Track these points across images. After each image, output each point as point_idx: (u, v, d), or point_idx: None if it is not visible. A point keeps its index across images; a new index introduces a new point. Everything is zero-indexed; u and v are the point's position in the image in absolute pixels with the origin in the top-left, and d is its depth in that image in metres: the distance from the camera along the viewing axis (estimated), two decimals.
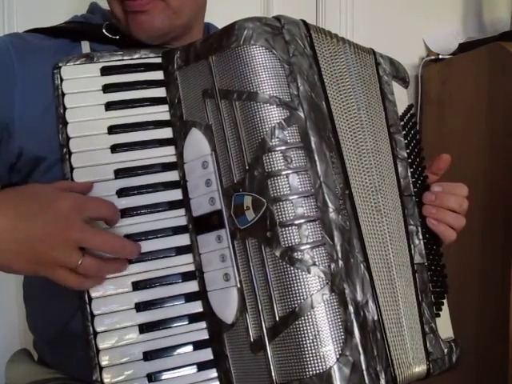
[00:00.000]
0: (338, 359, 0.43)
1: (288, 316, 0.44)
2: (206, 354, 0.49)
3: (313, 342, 0.43)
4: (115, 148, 0.51)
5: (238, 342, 0.47)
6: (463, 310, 1.07)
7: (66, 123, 0.51)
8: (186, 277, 0.50)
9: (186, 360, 0.49)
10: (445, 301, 0.58)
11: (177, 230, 0.51)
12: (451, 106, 1.17)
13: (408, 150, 0.59)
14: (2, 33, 1.00)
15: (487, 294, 1.04)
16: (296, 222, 0.45)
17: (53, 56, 0.55)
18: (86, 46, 0.60)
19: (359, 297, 0.46)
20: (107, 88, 0.52)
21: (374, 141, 0.55)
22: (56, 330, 0.64)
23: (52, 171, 0.58)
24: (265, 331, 0.45)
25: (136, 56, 0.54)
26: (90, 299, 0.48)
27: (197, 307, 0.50)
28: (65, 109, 0.51)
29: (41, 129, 0.57)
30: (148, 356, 0.48)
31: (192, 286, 0.50)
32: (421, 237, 0.56)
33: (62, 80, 0.51)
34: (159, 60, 0.54)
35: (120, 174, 0.51)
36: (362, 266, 0.47)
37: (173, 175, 0.52)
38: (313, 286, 0.44)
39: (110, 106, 0.52)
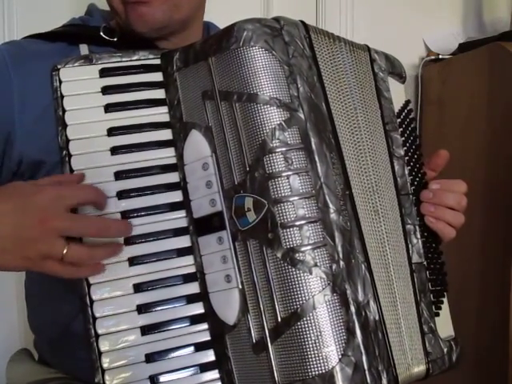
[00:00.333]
0: (340, 359, 0.43)
1: (290, 317, 0.44)
2: (208, 356, 0.49)
3: (315, 343, 0.43)
4: (115, 150, 0.51)
5: (240, 343, 0.47)
6: (463, 309, 1.06)
7: (65, 125, 0.51)
8: (188, 278, 0.50)
9: (188, 362, 0.49)
10: (445, 299, 0.58)
11: (177, 232, 0.51)
12: (451, 106, 1.17)
13: (405, 148, 0.59)
14: (2, 33, 1.00)
15: (487, 294, 1.04)
16: (297, 223, 0.45)
17: (51, 60, 0.55)
18: (84, 49, 0.60)
19: (361, 297, 0.46)
20: (106, 90, 0.52)
21: (370, 140, 0.55)
22: (57, 330, 0.64)
23: (53, 174, 0.58)
24: (267, 332, 0.45)
25: (135, 57, 0.54)
26: (92, 302, 0.48)
27: (198, 309, 0.50)
28: (64, 111, 0.51)
29: (40, 133, 0.57)
30: (150, 358, 0.48)
31: (193, 288, 0.50)
32: (419, 236, 0.56)
33: (60, 82, 0.51)
34: (158, 61, 0.54)
35: (120, 175, 0.51)
36: (363, 266, 0.47)
37: (173, 177, 0.52)
38: (314, 286, 0.44)
39: (109, 107, 0.52)
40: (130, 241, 0.49)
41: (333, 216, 0.46)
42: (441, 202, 0.58)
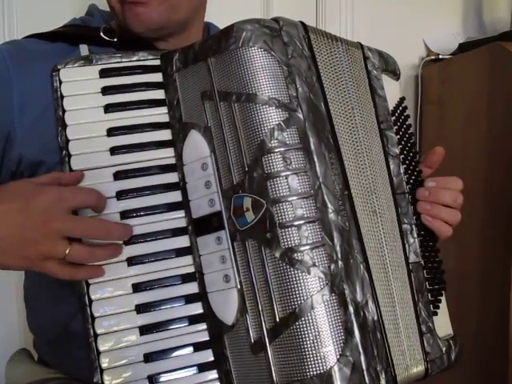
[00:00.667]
0: (338, 359, 0.43)
1: (288, 317, 0.44)
2: (207, 356, 0.49)
3: (313, 343, 0.43)
4: (114, 150, 0.51)
5: (239, 343, 0.47)
6: (463, 309, 1.07)
7: (65, 126, 0.51)
8: (186, 278, 0.50)
9: (187, 362, 0.49)
10: (443, 298, 0.57)
11: (176, 232, 0.51)
12: (451, 106, 1.17)
13: (401, 146, 0.59)
14: (2, 33, 1.00)
15: (487, 294, 1.04)
16: (295, 223, 0.45)
17: (51, 60, 0.55)
18: (84, 50, 0.61)
19: (359, 297, 0.46)
20: (106, 90, 0.52)
21: (366, 139, 0.55)
22: (56, 330, 0.64)
23: None
24: (265, 332, 0.45)
25: (135, 58, 0.54)
26: (91, 301, 0.48)
27: (197, 309, 0.50)
28: (64, 111, 0.51)
29: (39, 133, 0.57)
30: (148, 358, 0.48)
31: (192, 288, 0.50)
32: (415, 235, 0.56)
33: (60, 82, 0.52)
34: (158, 62, 0.54)
35: (119, 176, 0.51)
36: (361, 266, 0.47)
37: (172, 177, 0.52)
38: (313, 286, 0.44)
39: (108, 108, 0.52)
40: (129, 241, 0.49)
41: (331, 216, 0.46)
42: (437, 200, 0.57)
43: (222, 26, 0.60)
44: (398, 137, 0.59)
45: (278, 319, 0.45)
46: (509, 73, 1.00)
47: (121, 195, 0.50)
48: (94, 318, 0.48)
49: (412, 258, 0.55)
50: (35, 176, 0.60)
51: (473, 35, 1.27)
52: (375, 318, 0.47)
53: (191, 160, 0.51)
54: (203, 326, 0.50)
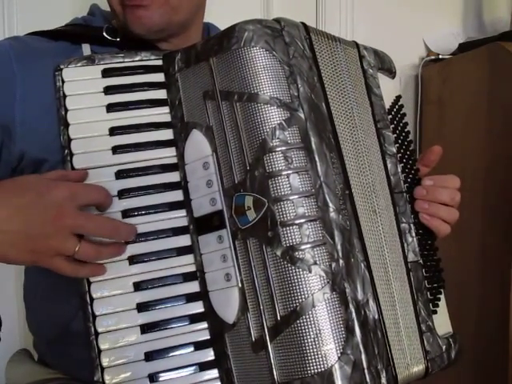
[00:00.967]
0: (339, 358, 0.43)
1: (289, 315, 0.44)
2: (208, 355, 0.49)
3: (314, 341, 0.43)
4: (116, 149, 0.51)
5: (240, 342, 0.47)
6: (463, 309, 1.07)
7: (67, 125, 0.51)
8: (187, 277, 0.50)
9: (188, 360, 0.49)
10: (442, 296, 0.57)
11: (178, 231, 0.51)
12: (451, 105, 1.17)
13: (397, 144, 0.59)
14: (2, 33, 1.00)
15: (487, 294, 1.04)
16: (297, 222, 0.45)
17: (53, 58, 0.55)
18: (86, 49, 0.61)
19: (360, 296, 0.46)
20: (108, 90, 0.53)
21: (364, 139, 0.55)
22: (56, 330, 0.64)
23: None
24: (266, 330, 0.45)
25: (137, 58, 0.55)
26: (92, 300, 0.48)
27: (198, 307, 0.50)
28: (66, 110, 0.51)
29: (42, 131, 0.57)
30: (149, 356, 0.48)
31: (193, 287, 0.50)
32: (414, 234, 0.56)
33: (63, 82, 0.52)
34: (160, 62, 0.55)
35: (121, 175, 0.51)
36: (362, 265, 0.48)
37: (174, 176, 0.52)
38: (314, 285, 0.44)
39: (111, 107, 0.52)
40: (131, 239, 0.50)
41: (332, 215, 0.46)
42: (434, 199, 0.57)
43: (222, 26, 0.61)
44: (395, 135, 0.59)
45: (279, 317, 0.45)
46: (509, 73, 1.00)
47: (122, 194, 0.50)
48: (95, 317, 0.48)
49: (411, 257, 0.55)
50: (37, 173, 0.60)
51: (473, 35, 1.27)
52: (376, 316, 0.47)
53: (193, 159, 0.51)
54: (204, 324, 0.50)
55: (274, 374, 0.45)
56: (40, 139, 0.57)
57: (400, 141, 0.60)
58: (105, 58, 0.54)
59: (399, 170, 0.57)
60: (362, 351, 0.44)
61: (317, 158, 0.47)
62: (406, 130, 0.60)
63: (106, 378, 0.48)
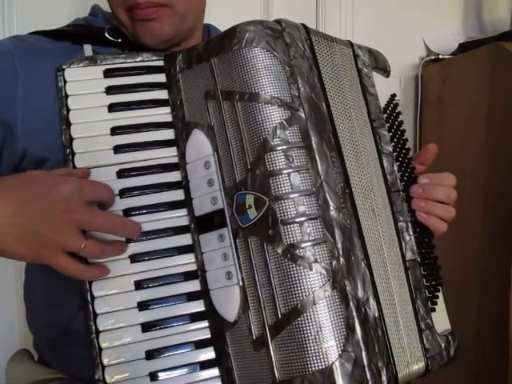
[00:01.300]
0: (340, 355, 0.43)
1: (290, 313, 0.44)
2: (208, 353, 0.50)
3: (315, 338, 0.43)
4: (118, 149, 0.52)
5: (241, 340, 0.48)
6: (463, 310, 1.07)
7: (69, 124, 0.51)
8: (188, 276, 0.51)
9: (188, 359, 0.49)
10: (440, 294, 0.58)
11: (179, 230, 0.51)
12: (451, 105, 1.17)
13: (393, 143, 0.59)
14: (2, 34, 1.00)
15: (487, 294, 1.04)
16: (297, 220, 0.45)
17: (55, 58, 0.56)
18: (88, 49, 0.61)
19: (360, 294, 0.46)
20: (110, 90, 0.53)
21: (362, 138, 0.55)
22: (57, 329, 0.64)
23: None
24: (267, 328, 0.46)
25: (139, 59, 0.55)
26: (93, 298, 0.49)
27: (199, 306, 0.50)
28: (68, 110, 0.52)
29: (44, 130, 0.57)
30: (150, 355, 0.49)
31: (194, 285, 0.51)
32: (411, 232, 0.56)
33: (65, 82, 0.52)
34: (161, 63, 0.55)
35: (122, 174, 0.51)
36: (362, 263, 0.48)
37: (175, 176, 0.52)
38: (314, 282, 0.44)
39: (112, 107, 0.52)
40: (136, 237, 0.50)
41: (333, 213, 0.47)
42: (431, 197, 0.58)
43: (222, 27, 0.61)
44: (391, 134, 0.59)
45: (279, 315, 0.45)
46: (509, 73, 1.01)
47: (124, 193, 0.51)
48: (95, 315, 0.48)
49: (409, 255, 0.55)
50: None
51: (473, 35, 1.27)
52: (376, 314, 0.47)
53: (194, 158, 0.51)
54: (205, 323, 0.50)
55: (275, 371, 0.45)
56: (42, 138, 0.58)
57: (396, 139, 0.60)
58: (107, 58, 0.54)
59: (395, 168, 0.58)
60: (362, 349, 0.44)
61: (317, 157, 0.47)
62: (401, 128, 0.61)
63: (107, 376, 0.48)
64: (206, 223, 0.50)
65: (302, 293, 0.44)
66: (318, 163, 0.47)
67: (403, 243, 0.55)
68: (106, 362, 0.48)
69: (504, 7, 1.25)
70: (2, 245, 0.44)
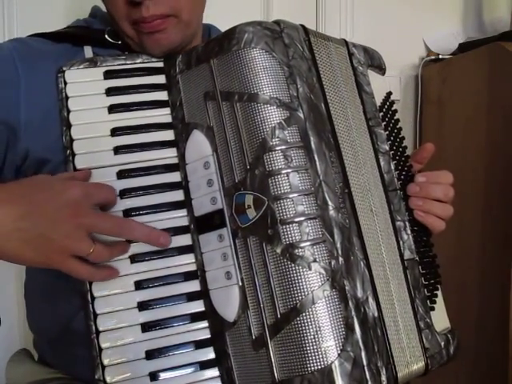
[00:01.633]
0: (339, 355, 0.43)
1: (289, 312, 0.45)
2: (208, 353, 0.50)
3: (314, 338, 0.43)
4: (118, 150, 0.52)
5: (240, 340, 0.48)
6: (463, 310, 1.07)
7: (69, 126, 0.52)
8: (188, 276, 0.51)
9: (188, 359, 0.49)
10: (439, 292, 0.57)
11: (179, 230, 0.51)
12: (451, 105, 1.17)
13: (390, 142, 0.59)
14: (2, 34, 1.00)
15: (487, 294, 1.04)
16: (296, 220, 0.45)
17: (56, 60, 0.56)
18: (88, 51, 0.61)
19: (359, 293, 0.46)
20: (110, 91, 0.53)
21: (359, 138, 0.55)
22: (57, 329, 0.64)
23: (56, 173, 0.58)
24: (266, 328, 0.46)
25: (139, 60, 0.55)
26: (93, 298, 0.49)
27: (199, 306, 0.50)
28: (68, 111, 0.52)
29: (45, 131, 0.57)
30: (150, 355, 0.49)
31: (194, 286, 0.51)
32: (409, 231, 0.56)
33: (65, 83, 0.53)
34: (161, 64, 0.56)
35: (122, 175, 0.51)
36: (361, 263, 0.48)
37: (175, 176, 0.52)
38: (314, 282, 0.44)
39: (112, 108, 0.53)
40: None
41: (332, 213, 0.47)
42: (428, 195, 0.57)
43: (222, 27, 0.61)
44: (387, 133, 0.59)
45: (279, 315, 0.45)
46: (509, 73, 1.01)
47: (124, 194, 0.51)
48: (96, 315, 0.48)
49: (407, 254, 0.55)
50: (39, 173, 0.60)
51: (473, 35, 1.28)
52: (375, 314, 0.47)
53: (194, 159, 0.51)
54: (204, 323, 0.50)
55: (275, 371, 0.45)
56: (43, 139, 0.58)
57: (392, 138, 0.59)
58: (107, 60, 0.54)
59: (392, 167, 0.57)
60: (361, 348, 0.44)
61: (316, 157, 0.47)
62: (397, 126, 0.60)
63: (107, 376, 0.48)
64: (205, 223, 0.50)
65: (301, 292, 0.44)
66: (317, 163, 0.47)
67: (401, 242, 0.55)
68: (106, 362, 0.48)
69: (504, 7, 1.25)
70: (11, 249, 0.44)
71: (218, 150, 0.50)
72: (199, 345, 0.50)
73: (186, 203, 0.52)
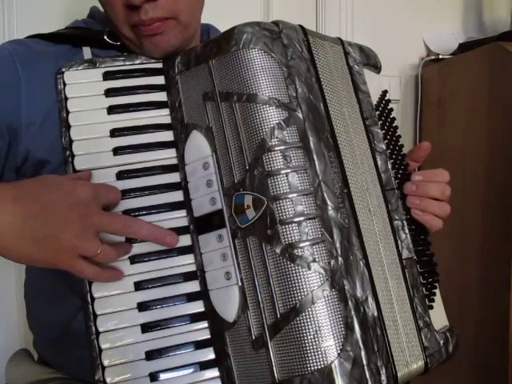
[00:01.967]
0: (339, 354, 0.43)
1: (289, 312, 0.45)
2: (208, 354, 0.50)
3: (314, 338, 0.43)
4: (117, 151, 0.52)
5: (240, 340, 0.48)
6: (463, 311, 1.07)
7: (68, 127, 0.52)
8: (188, 277, 0.51)
9: (188, 359, 0.49)
10: (437, 290, 0.57)
11: (178, 231, 0.51)
12: (451, 106, 1.17)
13: (386, 140, 0.59)
14: (2, 35, 1.00)
15: (487, 295, 1.04)
16: (296, 220, 0.45)
17: (55, 61, 0.56)
18: (87, 52, 0.61)
19: (359, 293, 0.46)
20: (109, 92, 0.53)
21: (356, 137, 0.55)
22: (57, 329, 0.64)
23: (55, 174, 0.58)
24: (266, 328, 0.46)
25: (137, 61, 0.56)
26: (93, 299, 0.49)
27: (198, 307, 0.50)
28: (68, 112, 0.52)
29: (45, 132, 0.57)
30: (150, 356, 0.49)
31: (193, 286, 0.51)
32: (407, 231, 0.56)
33: (65, 85, 0.52)
34: (160, 65, 0.56)
35: (122, 175, 0.51)
36: (361, 263, 0.48)
37: (174, 177, 0.52)
38: (313, 281, 0.44)
39: (112, 109, 0.53)
40: (131, 239, 0.50)
41: (331, 213, 0.47)
42: (425, 194, 0.57)
43: (222, 27, 0.61)
44: (383, 131, 0.59)
45: (278, 315, 0.45)
46: (509, 73, 1.01)
47: (123, 195, 0.51)
48: (95, 316, 0.48)
49: (405, 253, 0.55)
50: (39, 174, 0.60)
51: (473, 35, 1.28)
52: (375, 314, 0.47)
53: (193, 160, 0.51)
54: (204, 324, 0.50)
55: (274, 371, 0.45)
56: (43, 140, 0.58)
57: (389, 136, 0.59)
58: (106, 61, 0.54)
59: (389, 166, 0.57)
60: (361, 348, 0.44)
61: (315, 157, 0.48)
62: (394, 125, 0.60)
63: (107, 377, 0.48)
64: (204, 224, 0.50)
65: (300, 292, 0.44)
66: (316, 163, 0.47)
67: (399, 242, 0.55)
68: (106, 362, 0.48)
69: (504, 7, 1.25)
70: (19, 248, 0.44)
71: (217, 150, 0.50)
72: (199, 345, 0.50)
73: (185, 204, 0.52)
